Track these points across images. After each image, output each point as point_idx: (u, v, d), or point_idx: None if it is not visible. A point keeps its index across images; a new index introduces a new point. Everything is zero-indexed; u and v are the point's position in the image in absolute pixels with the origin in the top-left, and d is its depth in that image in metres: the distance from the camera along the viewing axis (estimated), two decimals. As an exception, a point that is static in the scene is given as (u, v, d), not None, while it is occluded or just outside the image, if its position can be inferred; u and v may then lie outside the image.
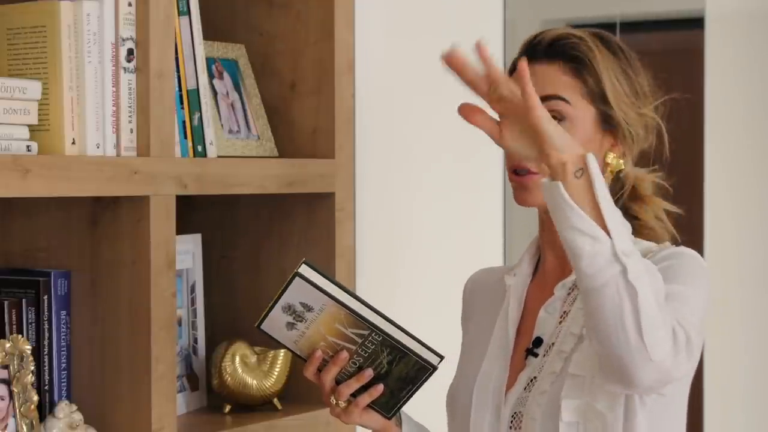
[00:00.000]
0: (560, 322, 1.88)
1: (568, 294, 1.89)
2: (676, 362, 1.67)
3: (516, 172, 1.87)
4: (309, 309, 1.83)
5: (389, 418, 1.92)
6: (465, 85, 1.74)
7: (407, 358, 1.84)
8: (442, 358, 1.84)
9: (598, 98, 1.86)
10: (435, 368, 1.84)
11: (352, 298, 1.83)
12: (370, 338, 1.83)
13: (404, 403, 1.90)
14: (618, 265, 1.63)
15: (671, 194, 1.97)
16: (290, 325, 1.85)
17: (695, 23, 3.41)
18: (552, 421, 1.81)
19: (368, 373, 1.86)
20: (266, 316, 1.85)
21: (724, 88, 3.42)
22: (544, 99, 1.84)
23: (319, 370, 1.88)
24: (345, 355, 1.85)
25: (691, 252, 1.86)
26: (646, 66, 1.92)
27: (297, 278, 1.80)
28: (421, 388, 1.89)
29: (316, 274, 1.82)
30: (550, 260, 1.94)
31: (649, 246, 1.88)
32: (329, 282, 1.82)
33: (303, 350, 1.88)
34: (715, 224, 3.40)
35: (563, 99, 1.85)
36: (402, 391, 1.87)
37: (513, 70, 1.91)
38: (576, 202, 1.65)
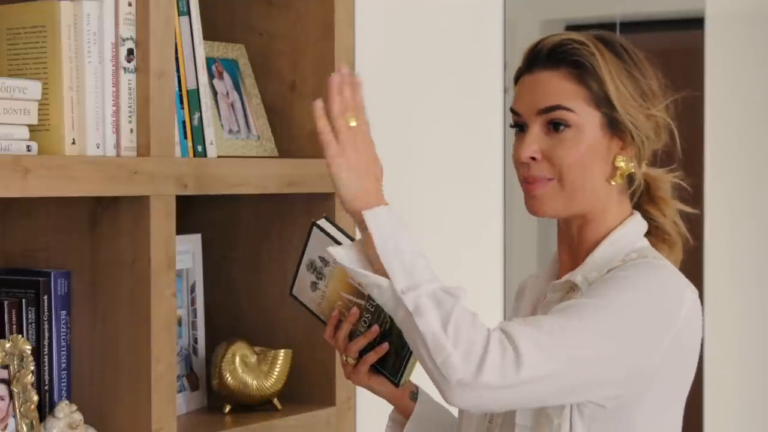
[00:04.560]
0: None
1: (567, 293, 1.88)
2: (483, 379, 1.66)
3: (526, 180, 1.86)
4: (326, 263, 1.95)
5: (397, 385, 1.97)
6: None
7: None
8: None
9: (603, 103, 1.82)
10: None
11: None
12: None
13: (407, 367, 1.95)
14: (401, 304, 1.72)
15: (690, 194, 1.95)
16: (313, 285, 1.97)
17: (695, 23, 3.42)
18: (509, 421, 1.83)
19: (374, 329, 1.94)
20: (295, 278, 1.98)
21: (724, 88, 3.42)
22: (548, 110, 1.83)
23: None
24: (355, 310, 1.95)
25: (649, 263, 1.82)
26: (655, 64, 1.88)
27: (315, 229, 1.94)
28: None
29: (332, 226, 1.95)
30: (564, 261, 1.93)
31: (628, 256, 1.85)
32: (343, 235, 1.94)
33: (325, 313, 1.99)
34: (715, 224, 3.40)
35: (566, 108, 1.82)
36: (404, 348, 1.93)
37: (516, 80, 1.90)
38: (369, 247, 1.75)
